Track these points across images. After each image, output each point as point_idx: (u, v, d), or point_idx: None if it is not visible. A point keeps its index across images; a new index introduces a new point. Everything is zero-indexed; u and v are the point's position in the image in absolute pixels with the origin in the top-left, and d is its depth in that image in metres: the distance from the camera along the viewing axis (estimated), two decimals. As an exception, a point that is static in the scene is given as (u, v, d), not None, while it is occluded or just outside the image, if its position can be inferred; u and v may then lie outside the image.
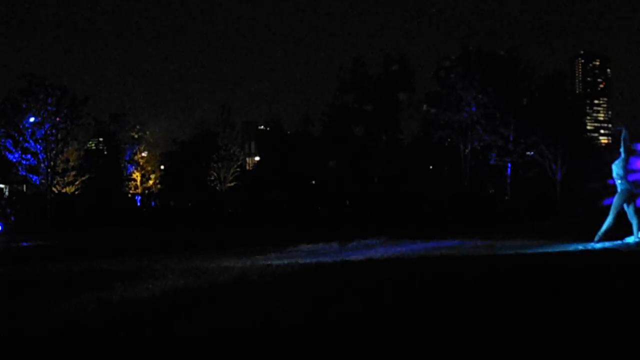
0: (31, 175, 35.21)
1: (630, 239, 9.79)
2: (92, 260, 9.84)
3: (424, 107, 41.54)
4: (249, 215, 30.41)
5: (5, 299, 6.07)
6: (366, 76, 43.23)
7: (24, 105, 35.10)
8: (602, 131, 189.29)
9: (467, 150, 37.34)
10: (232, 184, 47.95)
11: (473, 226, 17.55)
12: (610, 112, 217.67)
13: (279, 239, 13.10)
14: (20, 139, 34.47)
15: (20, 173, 35.68)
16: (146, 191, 50.11)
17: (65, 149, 37.09)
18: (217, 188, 47.42)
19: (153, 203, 47.59)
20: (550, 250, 9.24)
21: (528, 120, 35.58)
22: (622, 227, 9.98)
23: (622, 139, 9.72)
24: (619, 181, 9.67)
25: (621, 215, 9.87)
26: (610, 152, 39.02)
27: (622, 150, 9.72)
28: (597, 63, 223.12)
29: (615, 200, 9.78)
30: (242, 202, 41.80)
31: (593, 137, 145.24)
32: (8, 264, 9.88)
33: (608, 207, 10.08)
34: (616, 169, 9.76)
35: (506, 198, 35.90)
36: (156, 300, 5.42)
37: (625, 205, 9.65)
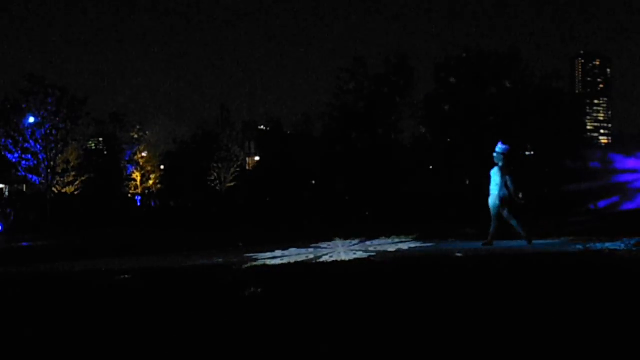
0: (31, 176, 35.20)
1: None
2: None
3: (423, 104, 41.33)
4: (250, 215, 30.38)
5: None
6: (366, 76, 43.14)
7: (23, 106, 35.11)
8: (602, 131, 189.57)
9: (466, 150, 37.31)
10: (232, 184, 47.97)
11: (474, 226, 17.49)
12: (610, 112, 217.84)
13: (284, 238, 13.16)
14: (20, 139, 34.49)
15: (20, 173, 35.67)
16: (146, 191, 50.08)
17: (65, 149, 37.11)
18: (217, 188, 47.45)
19: (152, 203, 47.55)
20: (550, 249, 9.28)
21: (528, 120, 35.60)
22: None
23: (498, 153, 10.52)
24: (496, 187, 10.32)
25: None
26: (610, 152, 39.10)
27: (497, 161, 10.49)
28: (597, 63, 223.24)
29: (499, 208, 10.35)
30: (243, 202, 41.80)
31: (593, 137, 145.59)
32: (8, 264, 9.88)
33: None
34: (494, 177, 10.42)
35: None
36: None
37: (501, 210, 10.27)
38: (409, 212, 25.69)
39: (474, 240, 11.81)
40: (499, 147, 10.59)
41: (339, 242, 11.61)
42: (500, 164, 10.41)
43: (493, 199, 10.29)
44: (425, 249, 10.11)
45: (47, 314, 5.19)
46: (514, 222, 10.23)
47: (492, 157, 10.79)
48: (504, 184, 10.23)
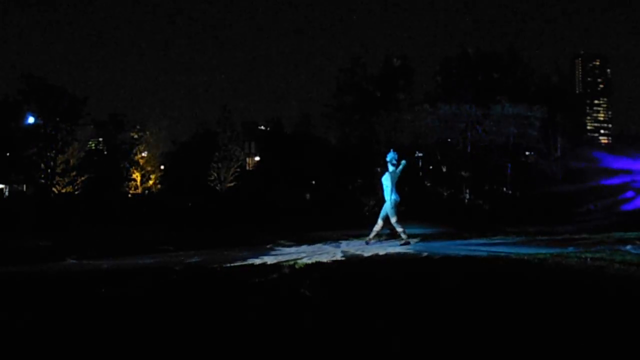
0: (31, 176, 35.23)
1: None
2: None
3: (424, 106, 41.34)
4: (251, 215, 30.38)
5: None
6: (365, 76, 43.16)
7: (23, 106, 35.15)
8: (602, 131, 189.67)
9: (467, 150, 37.36)
10: (232, 184, 47.98)
11: (474, 225, 17.51)
12: (610, 112, 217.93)
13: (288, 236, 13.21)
14: (21, 139, 34.52)
15: (20, 173, 35.70)
16: (146, 191, 50.07)
17: (65, 149, 37.11)
18: (217, 188, 47.45)
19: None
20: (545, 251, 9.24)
21: (528, 120, 35.65)
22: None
23: (390, 160, 11.21)
24: (388, 192, 11.07)
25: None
26: (610, 152, 39.12)
27: (390, 166, 11.21)
28: (597, 63, 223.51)
29: (383, 209, 11.18)
30: (243, 202, 41.78)
31: (593, 137, 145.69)
32: (8, 264, 9.86)
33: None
34: (385, 182, 11.15)
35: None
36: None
37: (391, 212, 10.99)
38: (414, 212, 25.65)
39: (473, 238, 11.83)
40: (390, 155, 11.27)
41: (348, 242, 11.78)
42: (391, 169, 11.14)
43: (388, 203, 10.98)
44: (414, 252, 9.87)
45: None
46: (379, 224, 11.10)
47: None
48: (394, 189, 11.00)
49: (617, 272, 6.41)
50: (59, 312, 5.24)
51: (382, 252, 9.48)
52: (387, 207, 10.98)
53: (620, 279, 6.03)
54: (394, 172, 11.09)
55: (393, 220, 10.91)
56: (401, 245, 10.64)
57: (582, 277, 6.20)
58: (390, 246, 10.73)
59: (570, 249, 9.09)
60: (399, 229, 10.90)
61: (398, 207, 10.99)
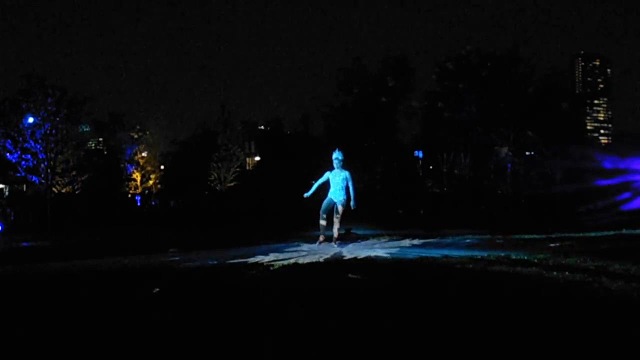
0: (31, 176, 35.18)
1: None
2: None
3: (423, 104, 41.30)
4: (251, 214, 30.42)
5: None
6: (365, 76, 43.14)
7: (23, 106, 35.07)
8: (602, 131, 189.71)
9: (466, 150, 37.38)
10: (232, 184, 48.00)
11: (474, 224, 17.53)
12: (610, 112, 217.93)
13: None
14: (20, 139, 34.46)
15: (20, 173, 35.65)
16: (146, 191, 50.12)
17: (65, 149, 37.04)
18: (217, 188, 47.48)
19: (153, 203, 47.71)
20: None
21: (528, 120, 35.65)
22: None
23: (337, 159, 11.35)
24: (339, 192, 11.17)
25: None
26: (610, 152, 39.13)
27: (337, 166, 11.34)
28: (597, 63, 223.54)
29: (336, 208, 11.23)
30: (243, 202, 41.85)
31: (593, 137, 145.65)
32: (9, 263, 9.87)
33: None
34: (339, 182, 11.24)
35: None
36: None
37: (337, 210, 11.13)
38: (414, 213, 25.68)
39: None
40: (339, 154, 11.41)
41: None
42: (340, 170, 11.29)
43: (337, 201, 11.09)
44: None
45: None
46: (336, 223, 11.18)
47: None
48: (344, 188, 11.14)
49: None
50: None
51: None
52: (334, 205, 11.10)
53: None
54: (345, 172, 11.24)
55: (338, 218, 11.03)
56: (319, 244, 10.98)
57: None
58: (379, 248, 10.65)
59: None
60: (323, 226, 11.12)
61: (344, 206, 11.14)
